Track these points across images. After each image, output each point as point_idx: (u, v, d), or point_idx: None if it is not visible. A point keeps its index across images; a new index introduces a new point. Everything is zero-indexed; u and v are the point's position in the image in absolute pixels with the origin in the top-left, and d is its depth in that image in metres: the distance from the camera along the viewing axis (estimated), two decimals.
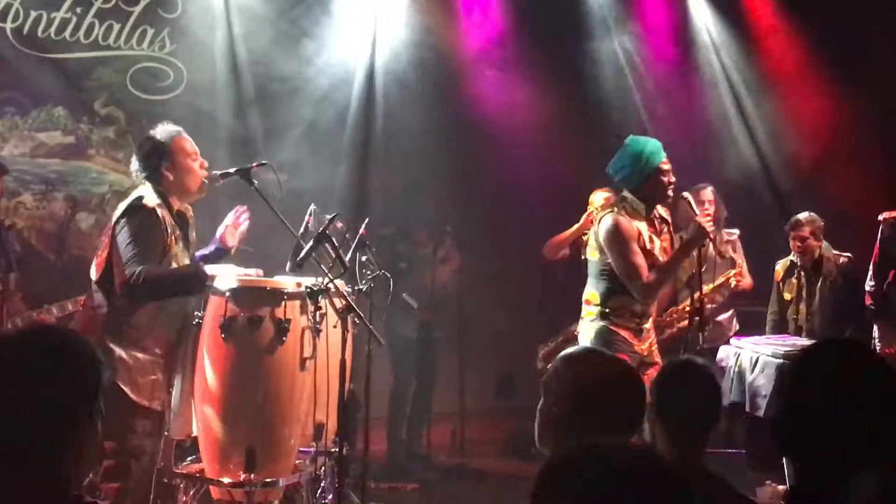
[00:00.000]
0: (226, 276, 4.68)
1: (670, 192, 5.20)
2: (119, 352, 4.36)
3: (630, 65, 8.91)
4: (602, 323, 5.10)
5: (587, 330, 5.17)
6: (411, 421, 7.27)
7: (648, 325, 5.23)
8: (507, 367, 8.63)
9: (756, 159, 8.81)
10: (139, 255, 4.36)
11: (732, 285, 6.92)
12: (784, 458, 2.22)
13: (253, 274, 4.81)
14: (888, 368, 2.21)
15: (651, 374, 5.12)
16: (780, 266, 7.04)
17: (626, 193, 5.17)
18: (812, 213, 6.86)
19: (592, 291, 5.19)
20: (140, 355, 4.41)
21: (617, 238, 5.01)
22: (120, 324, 4.41)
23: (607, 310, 5.10)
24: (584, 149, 8.09)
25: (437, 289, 7.17)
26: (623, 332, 5.09)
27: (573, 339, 7.13)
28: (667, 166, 5.12)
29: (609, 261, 5.07)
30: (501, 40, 8.63)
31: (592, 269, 5.20)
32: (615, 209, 5.11)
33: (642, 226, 5.10)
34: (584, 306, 5.25)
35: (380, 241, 6.69)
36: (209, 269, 4.68)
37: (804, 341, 5.99)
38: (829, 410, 2.11)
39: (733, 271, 6.85)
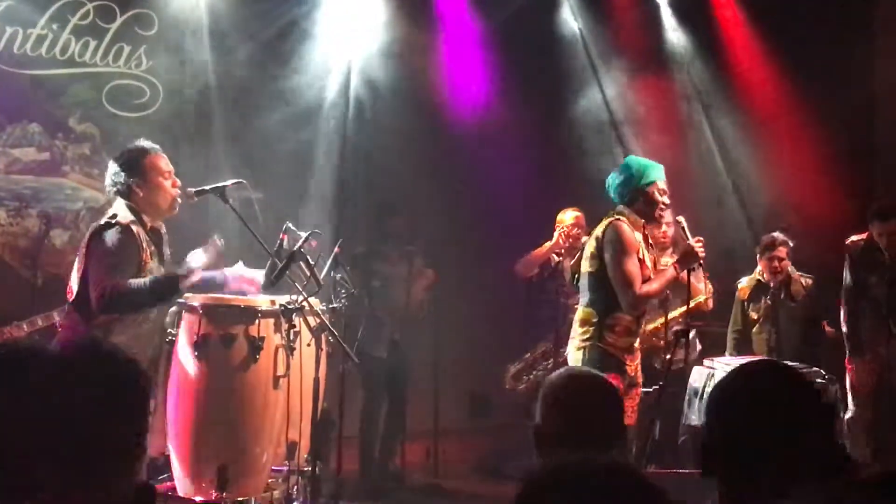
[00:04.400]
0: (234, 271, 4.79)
1: (662, 214, 5.23)
2: None
3: (606, 86, 8.97)
4: (597, 343, 5.03)
5: (580, 350, 5.08)
6: (385, 440, 7.25)
7: (637, 343, 5.21)
8: (482, 387, 8.63)
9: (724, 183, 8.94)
10: (115, 269, 4.36)
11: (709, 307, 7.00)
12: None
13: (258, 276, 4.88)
14: (808, 387, 2.24)
15: (634, 395, 5.15)
16: (745, 285, 7.07)
17: (621, 208, 5.17)
18: (783, 234, 6.93)
19: (588, 309, 5.12)
20: None
21: (620, 245, 5.00)
22: None
23: (604, 326, 5.03)
24: (559, 168, 8.15)
25: (411, 308, 7.16)
26: (617, 352, 5.03)
27: (541, 359, 7.20)
28: (663, 186, 5.17)
29: (608, 272, 5.03)
30: (479, 61, 8.66)
31: (590, 283, 5.13)
32: (618, 217, 5.11)
33: (640, 238, 5.12)
34: (576, 326, 5.18)
35: (353, 260, 6.70)
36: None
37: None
38: (753, 433, 2.13)
39: (704, 296, 6.89)
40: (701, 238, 5.19)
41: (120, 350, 2.36)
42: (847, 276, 6.65)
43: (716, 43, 8.97)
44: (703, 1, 8.92)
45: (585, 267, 5.18)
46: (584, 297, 5.21)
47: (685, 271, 5.28)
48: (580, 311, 5.20)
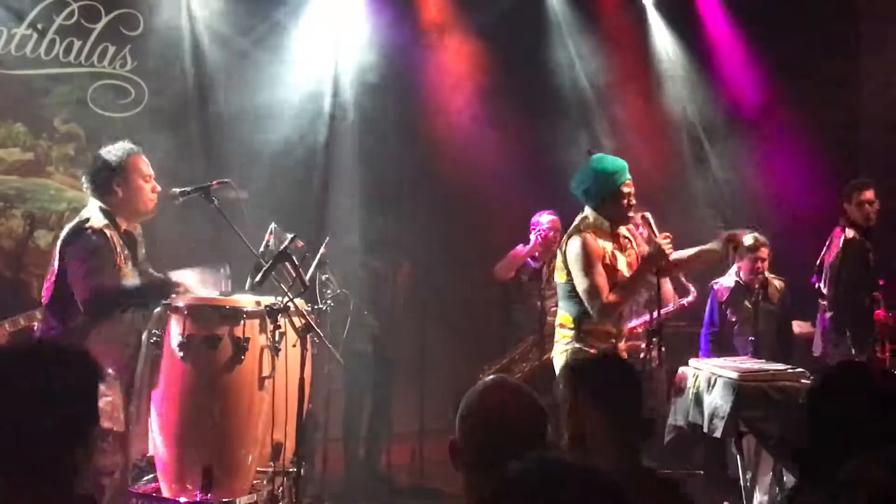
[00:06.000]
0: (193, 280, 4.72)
1: (630, 214, 5.17)
2: None
3: (590, 84, 8.98)
4: (577, 346, 5.02)
5: (561, 353, 5.09)
6: (370, 441, 7.25)
7: (622, 344, 5.20)
8: (467, 387, 8.57)
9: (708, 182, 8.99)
10: (97, 272, 4.36)
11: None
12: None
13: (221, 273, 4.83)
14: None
15: None
16: (722, 286, 7.07)
17: (587, 212, 5.13)
18: (761, 235, 6.95)
19: (565, 314, 5.12)
20: None
21: (582, 256, 4.96)
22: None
23: (582, 332, 5.03)
24: (542, 171, 8.14)
25: (397, 308, 7.16)
26: (600, 354, 4.98)
27: (519, 360, 7.19)
28: (628, 189, 5.07)
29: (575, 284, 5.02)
30: (466, 64, 8.65)
31: (562, 292, 5.13)
32: (582, 228, 5.06)
33: (608, 245, 5.06)
34: (557, 330, 5.19)
35: (339, 255, 6.70)
36: (176, 274, 4.69)
37: (762, 363, 6.02)
38: (855, 435, 2.19)
39: (689, 297, 6.90)
40: (669, 234, 5.12)
41: (72, 352, 2.31)
42: (837, 261, 6.71)
43: (702, 43, 9.00)
44: (688, 1, 8.96)
45: (558, 277, 5.18)
46: (560, 303, 5.22)
47: (655, 270, 5.19)
48: (559, 315, 5.22)
